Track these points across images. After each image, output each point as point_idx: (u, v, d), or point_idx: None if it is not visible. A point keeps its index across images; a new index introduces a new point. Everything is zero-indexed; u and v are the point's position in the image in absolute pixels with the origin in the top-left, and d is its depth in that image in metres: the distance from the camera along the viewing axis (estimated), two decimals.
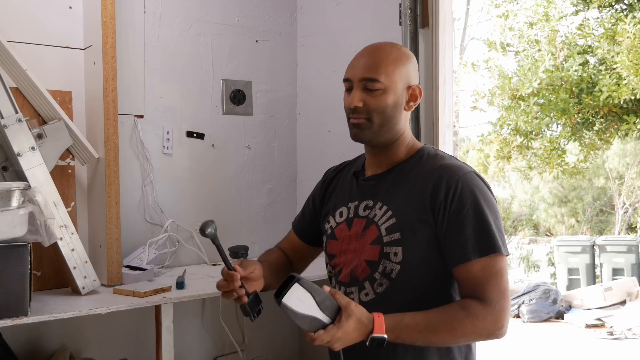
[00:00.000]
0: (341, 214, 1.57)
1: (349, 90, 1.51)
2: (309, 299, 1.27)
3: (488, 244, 1.34)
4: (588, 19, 7.55)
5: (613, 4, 7.47)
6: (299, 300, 1.27)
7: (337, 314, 1.33)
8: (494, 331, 1.33)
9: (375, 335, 1.31)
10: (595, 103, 7.03)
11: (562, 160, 7.76)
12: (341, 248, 1.55)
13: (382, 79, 1.46)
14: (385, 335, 1.30)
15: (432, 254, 1.40)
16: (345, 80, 1.53)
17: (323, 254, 1.62)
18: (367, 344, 1.32)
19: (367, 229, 1.48)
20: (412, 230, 1.41)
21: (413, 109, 1.54)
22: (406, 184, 1.46)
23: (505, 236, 1.42)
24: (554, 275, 8.89)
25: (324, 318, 1.30)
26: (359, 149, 1.89)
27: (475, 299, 1.33)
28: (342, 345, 1.32)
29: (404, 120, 1.51)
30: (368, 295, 1.45)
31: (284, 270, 1.65)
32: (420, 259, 1.40)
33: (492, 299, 1.32)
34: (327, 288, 1.33)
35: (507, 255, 1.38)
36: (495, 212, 1.39)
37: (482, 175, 1.48)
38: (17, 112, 1.71)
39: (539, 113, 7.30)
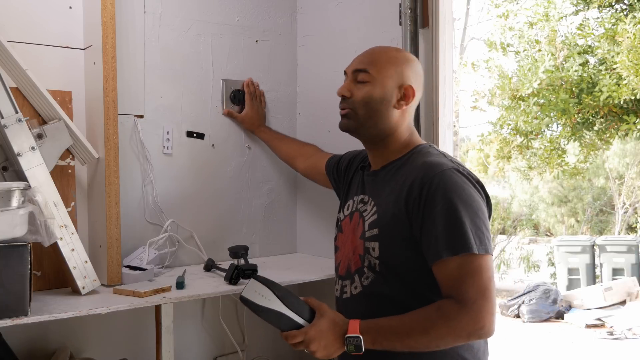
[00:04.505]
0: (348, 207, 1.61)
1: None
2: (269, 293, 1.33)
3: (459, 243, 1.29)
4: (588, 19, 7.54)
5: (613, 4, 7.46)
6: (258, 294, 1.33)
7: (313, 317, 1.36)
8: (474, 331, 1.28)
9: (349, 335, 1.32)
10: (595, 103, 7.02)
11: (562, 160, 7.75)
12: (342, 241, 1.58)
13: (371, 71, 1.49)
14: (360, 335, 1.31)
15: (408, 251, 1.37)
16: (344, 73, 1.57)
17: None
18: (347, 349, 1.33)
19: (359, 223, 1.50)
20: (389, 227, 1.41)
21: (412, 110, 1.55)
22: (392, 181, 1.46)
23: (490, 234, 1.34)
24: (554, 275, 8.89)
25: (298, 319, 1.35)
26: (358, 148, 1.89)
27: (451, 299, 1.30)
28: (319, 347, 1.33)
29: (396, 119, 1.50)
30: (357, 288, 1.47)
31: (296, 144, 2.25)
32: (395, 255, 1.40)
33: (468, 298, 1.27)
34: (301, 298, 1.39)
35: (486, 254, 1.30)
36: (473, 210, 1.32)
37: (470, 170, 1.42)
38: (17, 112, 1.71)
39: (539, 113, 7.30)
